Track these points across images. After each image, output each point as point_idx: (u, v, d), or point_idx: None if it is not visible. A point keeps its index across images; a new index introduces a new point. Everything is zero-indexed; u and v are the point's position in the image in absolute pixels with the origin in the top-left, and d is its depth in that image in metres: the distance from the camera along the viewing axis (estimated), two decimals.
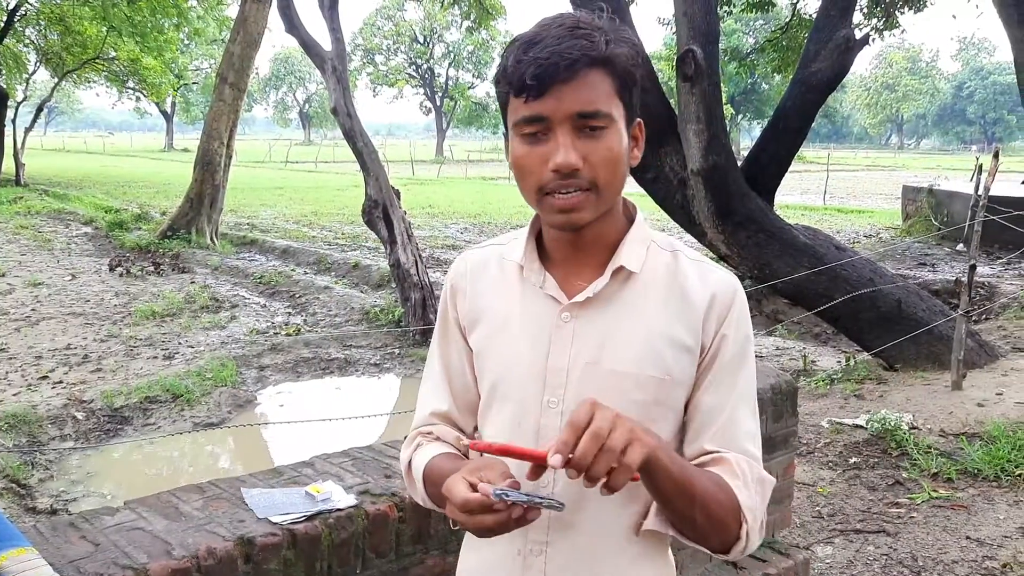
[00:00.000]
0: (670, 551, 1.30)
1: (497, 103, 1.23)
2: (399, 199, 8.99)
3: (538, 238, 1.29)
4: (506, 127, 1.21)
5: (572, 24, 1.13)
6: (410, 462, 1.34)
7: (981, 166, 6.04)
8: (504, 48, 1.19)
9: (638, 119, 1.22)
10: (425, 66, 62.94)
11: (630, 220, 1.26)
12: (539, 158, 1.14)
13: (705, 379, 1.23)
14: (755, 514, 1.19)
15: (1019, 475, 4.16)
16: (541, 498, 1.06)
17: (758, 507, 1.20)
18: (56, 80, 28.36)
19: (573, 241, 1.23)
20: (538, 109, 1.11)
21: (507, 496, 1.04)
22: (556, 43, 1.10)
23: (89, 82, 31.33)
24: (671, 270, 1.23)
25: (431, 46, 62.40)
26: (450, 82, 62.86)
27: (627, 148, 1.18)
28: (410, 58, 62.74)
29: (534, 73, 1.10)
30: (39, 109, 28.46)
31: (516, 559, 1.24)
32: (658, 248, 1.26)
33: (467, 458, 1.29)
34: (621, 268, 1.21)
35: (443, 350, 1.38)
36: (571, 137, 1.12)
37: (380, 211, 8.75)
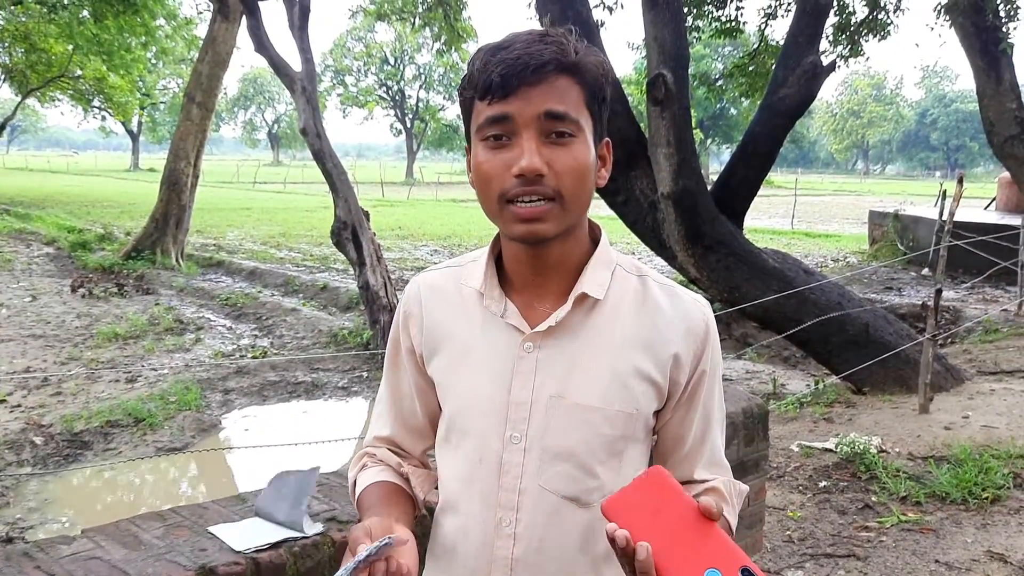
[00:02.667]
0: None
1: (461, 113, 1.19)
2: (368, 220, 8.93)
3: (498, 261, 1.22)
4: (468, 139, 1.16)
5: (542, 33, 1.10)
6: (355, 482, 1.30)
7: (945, 192, 6.13)
8: (470, 57, 1.15)
9: (607, 139, 1.18)
10: (396, 87, 63.02)
11: (595, 242, 1.21)
12: (502, 163, 1.08)
13: (688, 413, 1.21)
14: (735, 524, 1.24)
15: (986, 498, 4.18)
16: (374, 551, 0.99)
17: (737, 517, 1.26)
18: (20, 98, 27.99)
19: (535, 263, 1.16)
20: (503, 109, 1.07)
21: (350, 566, 0.98)
22: (525, 47, 1.07)
23: (54, 100, 30.96)
24: (639, 296, 1.19)
25: (402, 68, 62.53)
26: (421, 104, 62.96)
27: (594, 163, 1.13)
28: (380, 79, 62.79)
29: (501, 72, 1.05)
30: (1, 127, 28.02)
31: None
32: (624, 272, 1.21)
33: (407, 484, 1.28)
34: (585, 295, 1.16)
35: (391, 377, 1.33)
36: (536, 142, 1.07)
37: (349, 232, 8.69)
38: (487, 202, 1.13)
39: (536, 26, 6.48)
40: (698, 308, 1.20)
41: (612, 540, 0.95)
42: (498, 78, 1.05)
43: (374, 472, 1.28)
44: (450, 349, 1.22)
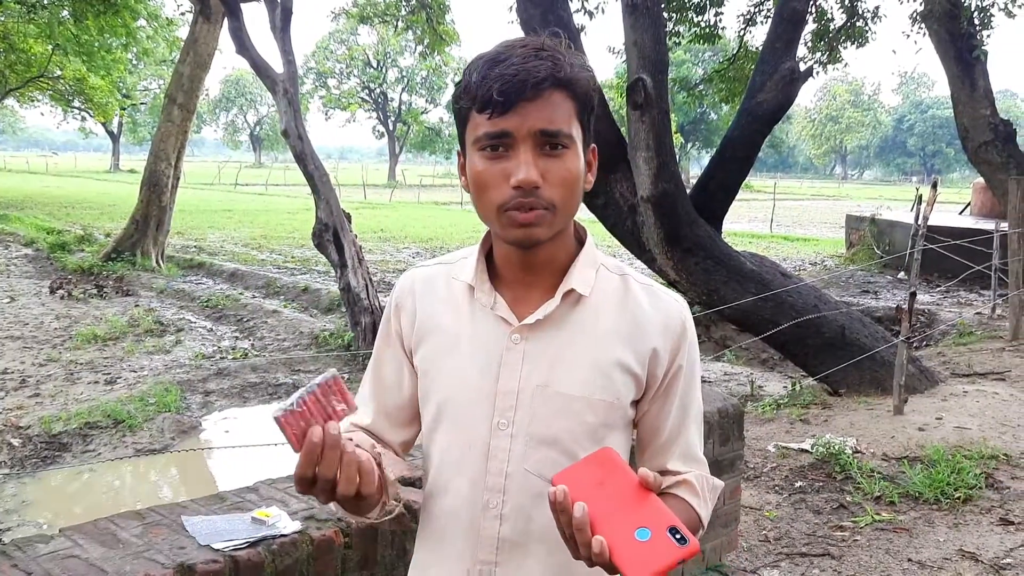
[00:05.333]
0: None
1: (453, 124, 1.23)
2: (350, 223, 8.94)
3: (487, 258, 1.28)
4: (462, 144, 1.21)
5: (537, 46, 1.14)
6: None
7: (921, 197, 6.21)
8: (466, 66, 1.19)
9: (593, 144, 1.23)
10: (378, 90, 62.88)
11: (580, 243, 1.27)
12: (500, 173, 1.14)
13: (665, 405, 1.28)
14: (708, 518, 1.30)
15: (959, 498, 4.24)
16: (303, 392, 1.03)
17: (710, 511, 1.31)
18: None
19: (524, 262, 1.23)
20: (503, 125, 1.12)
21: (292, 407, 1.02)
22: (522, 62, 1.11)
23: (33, 101, 30.72)
24: (621, 294, 1.26)
25: (384, 70, 62.38)
26: (403, 107, 62.85)
27: (584, 171, 1.20)
28: (363, 82, 62.62)
29: (501, 89, 1.10)
30: None
31: None
32: (608, 272, 1.27)
33: (379, 466, 1.28)
34: (571, 291, 1.22)
35: (377, 366, 1.37)
36: (532, 155, 1.13)
37: (331, 235, 8.69)
38: (484, 208, 1.18)
39: (517, 31, 6.52)
40: (676, 307, 1.27)
41: (552, 501, 1.03)
42: (499, 95, 1.10)
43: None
44: (439, 339, 1.27)
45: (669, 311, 1.26)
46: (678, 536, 1.00)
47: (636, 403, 1.27)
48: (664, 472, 1.29)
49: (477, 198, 1.19)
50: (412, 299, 1.32)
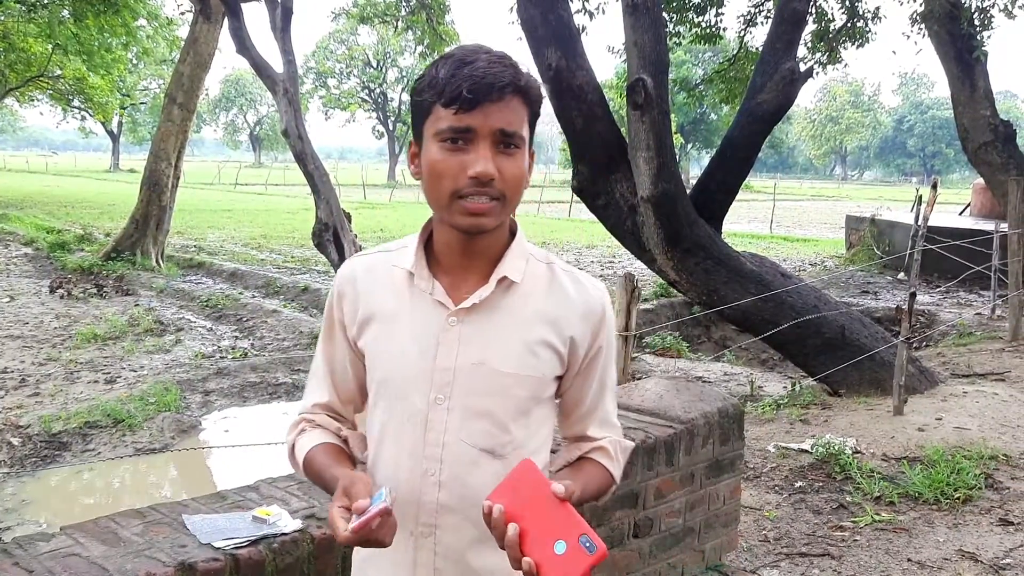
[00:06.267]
0: None
1: (413, 112, 1.34)
2: (350, 223, 8.94)
3: (427, 246, 1.40)
4: (418, 135, 1.32)
5: (500, 55, 1.28)
6: (293, 445, 1.46)
7: (921, 197, 6.22)
8: (429, 65, 1.31)
9: (532, 148, 1.36)
10: (378, 90, 62.89)
11: (512, 235, 1.39)
12: (458, 164, 1.25)
13: (586, 380, 1.44)
14: (620, 476, 1.50)
15: (958, 498, 4.24)
16: (382, 499, 1.20)
17: (622, 469, 1.50)
18: None
19: (464, 249, 1.35)
20: (467, 121, 1.24)
21: (373, 510, 1.18)
22: (487, 67, 1.24)
23: (33, 100, 30.72)
24: (548, 281, 1.39)
25: (384, 70, 62.40)
26: (403, 107, 62.83)
27: (527, 170, 1.32)
28: (363, 82, 62.65)
29: (470, 87, 1.22)
30: None
31: (408, 541, 1.35)
32: (536, 260, 1.40)
33: (346, 446, 1.45)
34: (504, 278, 1.34)
35: (327, 348, 1.48)
36: (491, 151, 1.25)
37: (330, 234, 8.69)
38: (437, 194, 1.29)
39: (518, 31, 6.51)
40: (597, 293, 1.42)
41: (489, 519, 1.19)
42: (468, 93, 1.22)
43: (316, 435, 1.45)
44: (381, 322, 1.38)
45: (591, 297, 1.40)
46: (587, 544, 1.17)
47: (559, 378, 1.41)
48: (584, 437, 1.48)
49: (432, 185, 1.29)
50: (353, 287, 1.42)
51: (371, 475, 1.40)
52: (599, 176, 6.26)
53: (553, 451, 1.48)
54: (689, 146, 57.37)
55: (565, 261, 1.48)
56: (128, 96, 38.84)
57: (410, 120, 1.38)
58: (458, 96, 1.22)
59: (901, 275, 13.24)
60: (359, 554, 1.45)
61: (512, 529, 1.17)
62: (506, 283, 1.35)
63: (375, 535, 1.19)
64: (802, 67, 6.60)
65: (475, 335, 1.34)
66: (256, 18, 9.47)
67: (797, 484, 4.56)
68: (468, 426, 1.34)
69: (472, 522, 1.32)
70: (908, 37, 12.53)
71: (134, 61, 34.54)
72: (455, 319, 1.34)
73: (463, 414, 1.33)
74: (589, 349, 1.40)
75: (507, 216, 1.32)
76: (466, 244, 1.34)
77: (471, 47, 1.29)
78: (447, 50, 1.33)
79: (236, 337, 9.87)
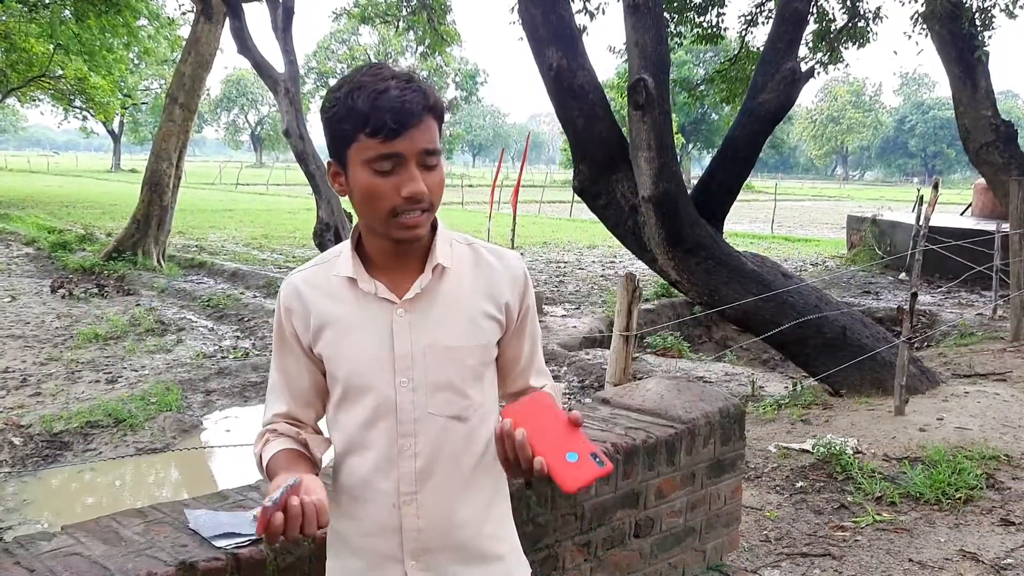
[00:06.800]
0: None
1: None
2: (351, 222, 8.94)
3: (358, 251, 1.53)
4: (340, 158, 1.43)
5: (407, 77, 1.40)
6: (260, 456, 1.56)
7: (922, 197, 6.21)
8: (336, 92, 1.41)
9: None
10: None
11: (433, 228, 1.53)
12: (392, 187, 1.38)
13: (520, 338, 1.61)
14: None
15: (959, 498, 4.24)
16: (284, 491, 1.25)
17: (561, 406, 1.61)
18: (0, 97, 27.73)
19: (397, 253, 1.49)
20: (396, 147, 1.36)
21: (266, 505, 1.23)
22: (401, 93, 1.36)
23: (34, 100, 30.74)
24: (473, 259, 1.56)
25: None
26: None
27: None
28: None
29: (394, 118, 1.35)
30: None
31: (392, 511, 1.49)
32: (458, 244, 1.56)
33: (306, 449, 1.55)
34: (438, 265, 1.50)
35: (280, 362, 1.60)
36: (418, 170, 1.39)
37: (332, 234, 8.70)
38: (374, 214, 1.43)
39: (519, 32, 6.51)
40: (517, 261, 1.59)
41: (499, 431, 1.36)
42: (392, 123, 1.34)
43: (277, 443, 1.54)
44: (335, 328, 1.51)
45: (512, 265, 1.57)
46: (598, 460, 1.31)
47: (499, 343, 1.57)
48: (527, 389, 1.63)
49: (367, 206, 1.42)
50: (300, 301, 1.54)
51: (343, 466, 1.55)
52: (600, 176, 6.26)
53: None
54: (690, 146, 57.32)
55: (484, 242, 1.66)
56: (129, 96, 38.85)
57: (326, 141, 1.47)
58: (383, 127, 1.34)
59: (902, 275, 13.23)
60: (336, 534, 1.57)
61: (520, 433, 1.32)
62: (439, 269, 1.50)
63: (289, 529, 1.25)
64: (803, 67, 6.60)
65: (422, 320, 1.49)
66: (257, 18, 9.49)
67: (798, 484, 4.56)
68: (433, 399, 1.49)
69: (443, 477, 1.50)
70: (909, 37, 12.51)
71: (135, 61, 34.60)
72: (403, 310, 1.48)
73: (427, 390, 1.48)
74: (519, 309, 1.57)
75: (433, 218, 1.48)
76: (399, 248, 1.48)
77: (374, 71, 1.39)
78: (348, 75, 1.42)
79: (237, 337, 9.87)
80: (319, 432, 1.62)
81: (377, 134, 1.35)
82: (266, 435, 1.58)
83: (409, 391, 1.48)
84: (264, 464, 1.53)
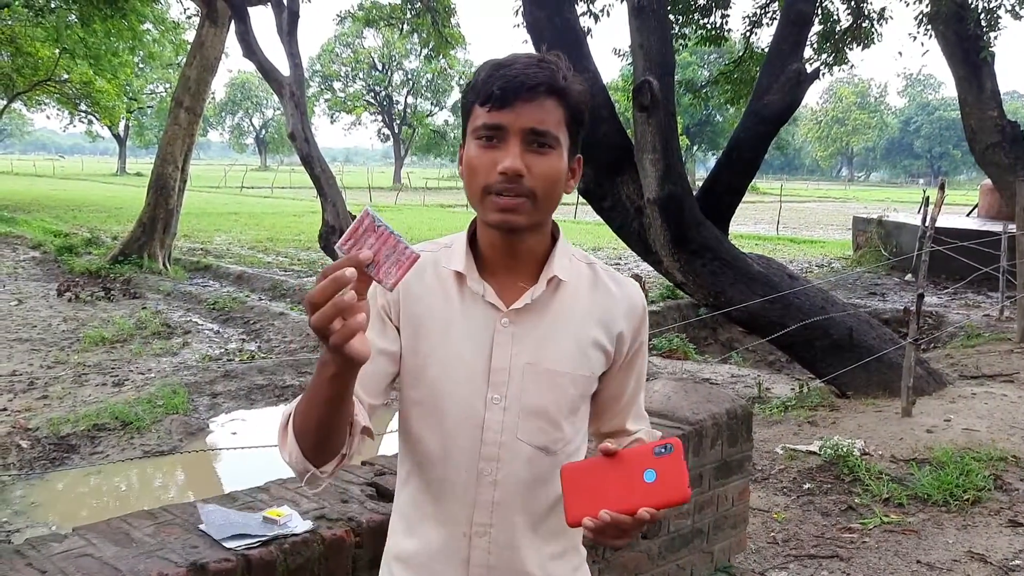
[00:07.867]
0: None
1: (458, 128, 1.39)
2: None
3: (471, 247, 1.40)
4: (464, 135, 1.35)
5: (540, 57, 1.30)
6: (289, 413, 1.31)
7: (928, 199, 6.20)
8: (477, 68, 1.35)
9: (579, 155, 1.38)
10: (383, 93, 62.94)
11: (554, 239, 1.41)
12: (490, 161, 1.27)
13: (627, 375, 1.47)
14: None
15: (967, 500, 4.24)
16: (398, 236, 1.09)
17: None
18: (5, 101, 27.84)
19: (509, 250, 1.35)
20: (499, 119, 1.26)
21: (377, 224, 1.07)
22: (524, 68, 1.27)
23: (40, 104, 30.84)
24: (591, 280, 1.42)
25: (390, 74, 62.45)
26: (408, 110, 62.89)
27: (565, 174, 1.33)
28: (368, 85, 62.70)
29: (501, 86, 1.26)
30: None
31: (462, 540, 1.36)
32: (578, 261, 1.43)
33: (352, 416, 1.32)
34: (554, 277, 1.36)
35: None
36: (520, 148, 1.26)
37: (337, 237, 8.71)
38: (471, 191, 1.32)
39: (523, 34, 6.53)
40: (637, 291, 1.45)
41: (593, 534, 1.18)
42: (498, 91, 1.26)
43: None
44: (431, 324, 1.37)
45: (632, 296, 1.43)
46: (663, 451, 1.18)
47: (603, 376, 1.43)
48: (622, 431, 1.51)
49: (468, 181, 1.32)
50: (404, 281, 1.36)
51: (415, 480, 1.40)
52: (605, 178, 6.26)
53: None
54: (695, 148, 57.28)
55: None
56: (135, 100, 39.00)
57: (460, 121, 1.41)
58: (490, 96, 1.26)
59: (909, 276, 13.21)
60: (397, 554, 1.42)
61: (605, 515, 1.16)
62: (555, 282, 1.37)
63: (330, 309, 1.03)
64: (808, 68, 6.59)
65: (527, 335, 1.35)
66: (262, 22, 9.53)
67: (805, 486, 4.55)
68: (524, 425, 1.35)
69: (521, 516, 1.36)
70: (914, 38, 12.51)
71: (141, 65, 34.65)
72: (508, 320, 1.35)
73: (520, 413, 1.35)
74: (632, 344, 1.44)
75: (541, 216, 1.32)
76: (509, 244, 1.35)
77: (519, 53, 1.33)
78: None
79: (243, 340, 9.89)
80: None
81: (485, 103, 1.27)
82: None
83: (500, 410, 1.34)
84: (289, 409, 1.32)
